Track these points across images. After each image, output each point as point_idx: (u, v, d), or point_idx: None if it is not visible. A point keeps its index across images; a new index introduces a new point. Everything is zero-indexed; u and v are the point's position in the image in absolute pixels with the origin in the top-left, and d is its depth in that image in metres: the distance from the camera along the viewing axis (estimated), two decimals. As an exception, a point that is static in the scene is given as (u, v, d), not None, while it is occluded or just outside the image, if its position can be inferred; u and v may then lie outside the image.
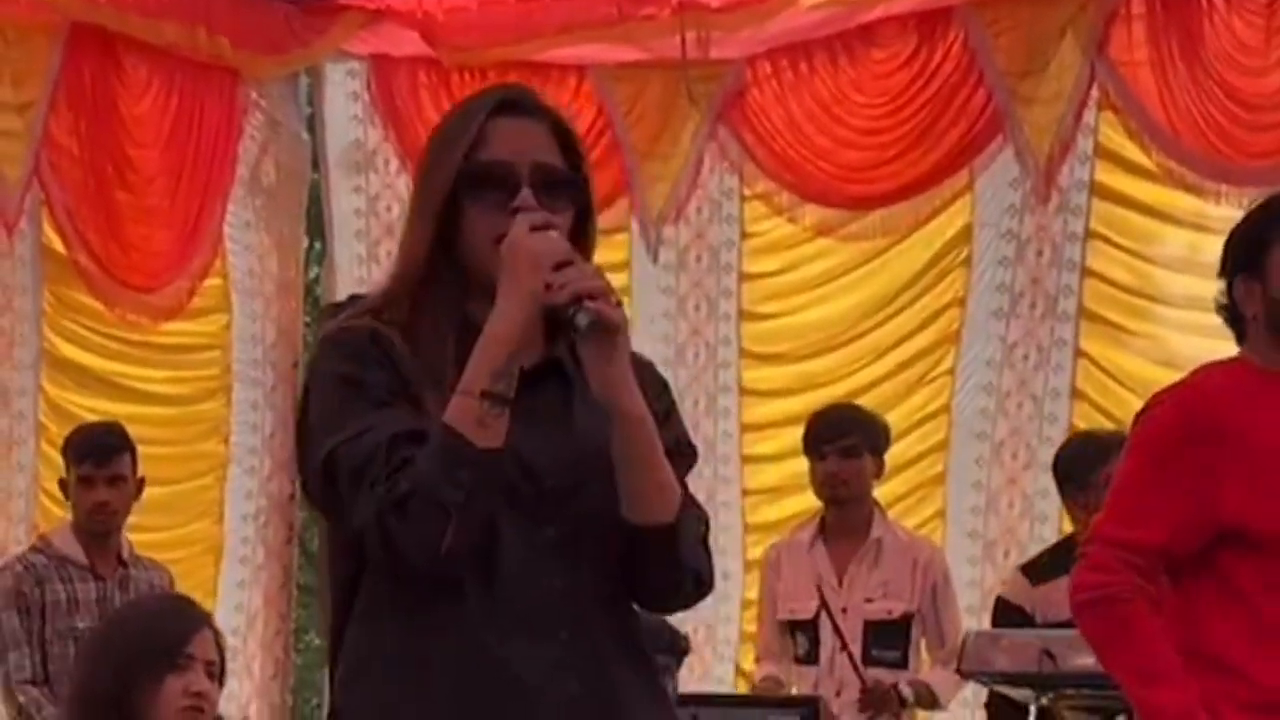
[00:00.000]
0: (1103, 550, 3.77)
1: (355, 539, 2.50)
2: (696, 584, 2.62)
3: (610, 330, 2.47)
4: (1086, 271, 8.25)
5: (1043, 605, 6.14)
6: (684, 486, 2.63)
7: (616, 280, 8.65)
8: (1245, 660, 3.66)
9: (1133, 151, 8.13)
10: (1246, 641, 3.67)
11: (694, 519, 2.60)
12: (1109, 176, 8.23)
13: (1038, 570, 6.34)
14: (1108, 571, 3.75)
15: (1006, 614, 6.30)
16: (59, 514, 7.26)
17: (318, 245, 9.77)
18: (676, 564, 2.56)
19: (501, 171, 2.58)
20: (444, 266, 2.57)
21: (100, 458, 5.95)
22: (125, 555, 6.06)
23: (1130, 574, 3.72)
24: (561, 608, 2.53)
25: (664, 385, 2.73)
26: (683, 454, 2.66)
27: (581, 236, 2.64)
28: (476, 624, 2.50)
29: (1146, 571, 3.72)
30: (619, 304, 2.48)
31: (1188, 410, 3.76)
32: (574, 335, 2.49)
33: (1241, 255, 3.79)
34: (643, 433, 2.52)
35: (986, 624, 6.60)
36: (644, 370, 2.68)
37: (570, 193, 2.62)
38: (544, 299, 2.48)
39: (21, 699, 5.78)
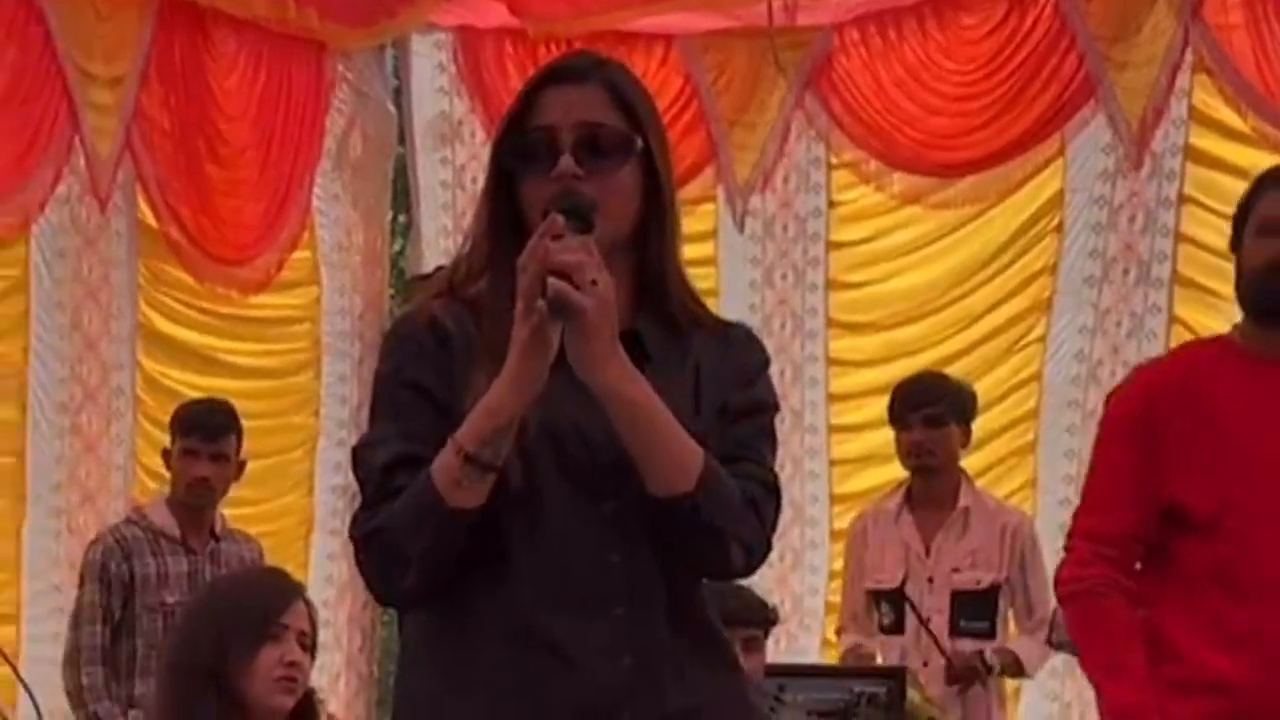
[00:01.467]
0: (1080, 544, 3.77)
1: None
2: (747, 551, 2.56)
3: (571, 311, 2.39)
4: (1180, 237, 8.17)
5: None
6: (752, 448, 2.58)
7: (702, 250, 8.83)
8: (1189, 645, 3.63)
9: (1227, 115, 8.04)
10: (1185, 626, 3.64)
11: (730, 485, 2.52)
12: (1203, 140, 8.14)
13: None
14: (1084, 566, 3.75)
15: None
16: (155, 487, 7.33)
17: (402, 218, 9.80)
18: (707, 532, 2.50)
19: (545, 138, 2.52)
20: (510, 239, 2.52)
21: (207, 434, 5.98)
22: (218, 529, 6.10)
23: (1104, 567, 3.71)
24: (619, 582, 2.50)
25: (748, 348, 2.66)
26: (751, 414, 2.61)
27: (651, 194, 2.57)
28: (525, 603, 2.48)
29: (1120, 562, 3.71)
30: (594, 282, 2.38)
31: (1142, 391, 3.76)
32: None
33: (1233, 231, 3.78)
34: (630, 411, 2.45)
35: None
36: (730, 331, 2.65)
37: (623, 152, 2.55)
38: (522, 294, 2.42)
39: (85, 680, 5.82)
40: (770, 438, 2.64)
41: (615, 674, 2.48)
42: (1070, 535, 3.81)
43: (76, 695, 5.83)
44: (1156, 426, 3.67)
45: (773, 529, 2.59)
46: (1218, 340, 3.87)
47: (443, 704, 2.51)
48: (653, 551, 2.51)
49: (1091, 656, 3.80)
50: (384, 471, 2.48)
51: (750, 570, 2.60)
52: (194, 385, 7.78)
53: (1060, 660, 6.84)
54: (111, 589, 5.86)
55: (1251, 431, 3.64)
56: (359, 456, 2.54)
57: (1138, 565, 3.72)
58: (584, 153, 2.52)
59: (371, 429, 2.54)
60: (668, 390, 2.51)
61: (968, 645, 6.22)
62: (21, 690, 5.78)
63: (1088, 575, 3.74)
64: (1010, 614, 6.42)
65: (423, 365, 2.51)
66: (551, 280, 2.37)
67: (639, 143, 2.55)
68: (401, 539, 2.45)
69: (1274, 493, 3.60)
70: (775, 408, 2.67)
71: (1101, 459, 3.79)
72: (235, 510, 6.52)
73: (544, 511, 2.49)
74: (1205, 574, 3.62)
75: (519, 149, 2.53)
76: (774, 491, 2.59)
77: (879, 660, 6.26)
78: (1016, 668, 6.39)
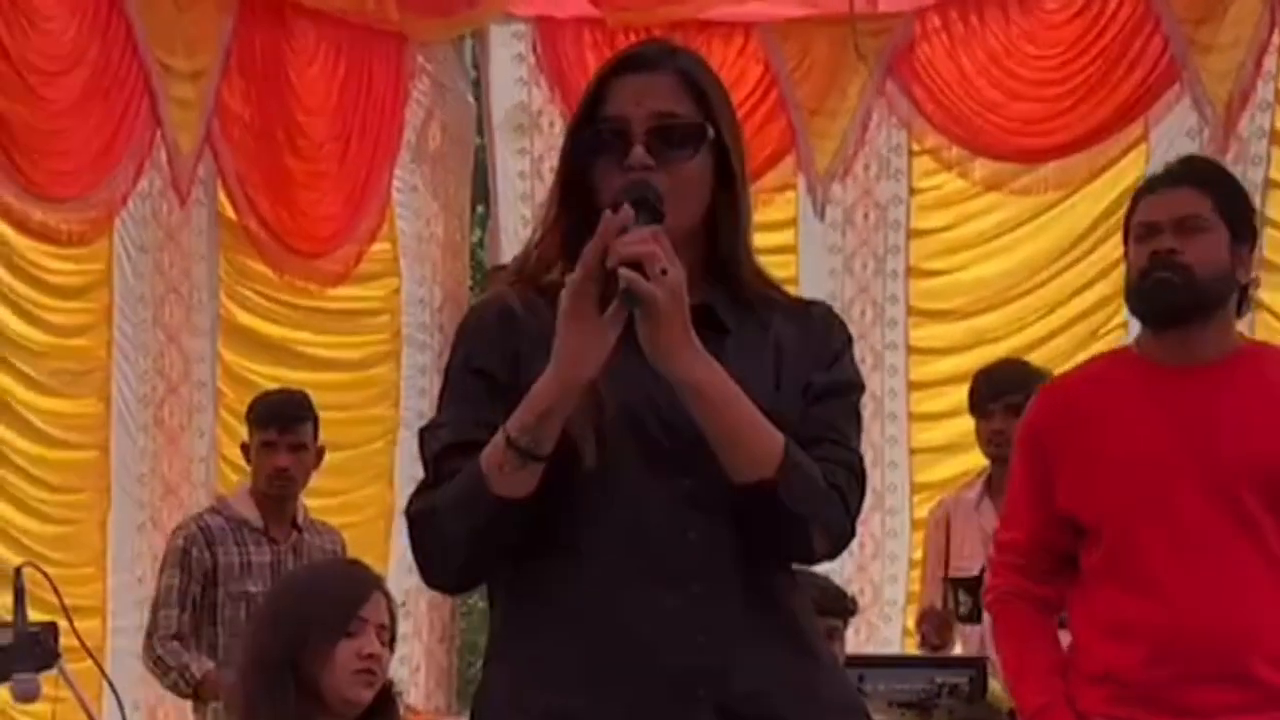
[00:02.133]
0: (994, 556, 3.91)
1: None
2: (830, 536, 2.54)
3: (642, 301, 2.38)
4: (1266, 222, 8.07)
5: None
6: (837, 429, 2.56)
7: (783, 238, 8.80)
8: (1086, 639, 3.72)
9: (1314, 97, 7.96)
10: (1085, 622, 3.73)
11: (812, 469, 2.49)
12: (1289, 124, 8.05)
13: None
14: (994, 575, 3.89)
15: None
16: (236, 479, 7.36)
17: (480, 209, 9.81)
18: (789, 518, 2.48)
19: (617, 128, 2.52)
20: (582, 228, 2.50)
21: (283, 424, 6.00)
22: (300, 520, 6.12)
23: (1009, 575, 3.82)
24: (695, 560, 2.48)
25: (829, 326, 2.64)
26: (835, 394, 2.59)
27: (722, 182, 2.57)
28: (600, 581, 2.47)
29: (1027, 569, 3.80)
30: (664, 271, 2.38)
31: (1039, 407, 3.84)
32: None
33: (1123, 238, 3.81)
34: (707, 398, 2.44)
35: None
36: (811, 309, 2.64)
37: (695, 141, 2.54)
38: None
39: (159, 651, 5.86)
40: (855, 418, 2.61)
41: (688, 652, 2.46)
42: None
43: (159, 666, 5.88)
44: (1047, 440, 3.76)
45: (857, 513, 2.56)
46: (1122, 351, 3.94)
47: (520, 692, 2.51)
48: (731, 530, 2.50)
49: (1003, 662, 3.91)
50: (442, 455, 2.51)
51: (834, 554, 2.58)
52: (274, 378, 7.80)
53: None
54: (191, 575, 5.88)
55: (1135, 435, 3.67)
56: (423, 439, 2.56)
57: (1049, 571, 3.80)
58: (656, 143, 2.51)
59: (438, 414, 2.56)
60: (748, 363, 2.51)
61: None
62: (106, 684, 5.82)
63: (995, 585, 3.87)
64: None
65: (491, 353, 2.52)
66: (623, 271, 2.37)
67: (710, 132, 2.54)
68: (448, 522, 2.46)
69: (1152, 492, 3.64)
70: (861, 388, 2.64)
71: (1011, 473, 3.91)
72: (316, 501, 6.54)
73: (620, 490, 2.48)
74: (1097, 572, 3.70)
75: (591, 139, 2.53)
76: (859, 475, 2.56)
77: (958, 648, 6.22)
78: None
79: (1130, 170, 8.32)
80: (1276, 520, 3.64)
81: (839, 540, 2.55)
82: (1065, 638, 3.84)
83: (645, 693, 2.46)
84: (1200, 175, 3.79)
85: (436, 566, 2.52)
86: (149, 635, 5.92)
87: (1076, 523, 3.71)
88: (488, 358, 2.53)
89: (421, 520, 2.50)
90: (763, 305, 2.59)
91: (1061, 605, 3.83)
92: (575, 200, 2.55)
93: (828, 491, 2.50)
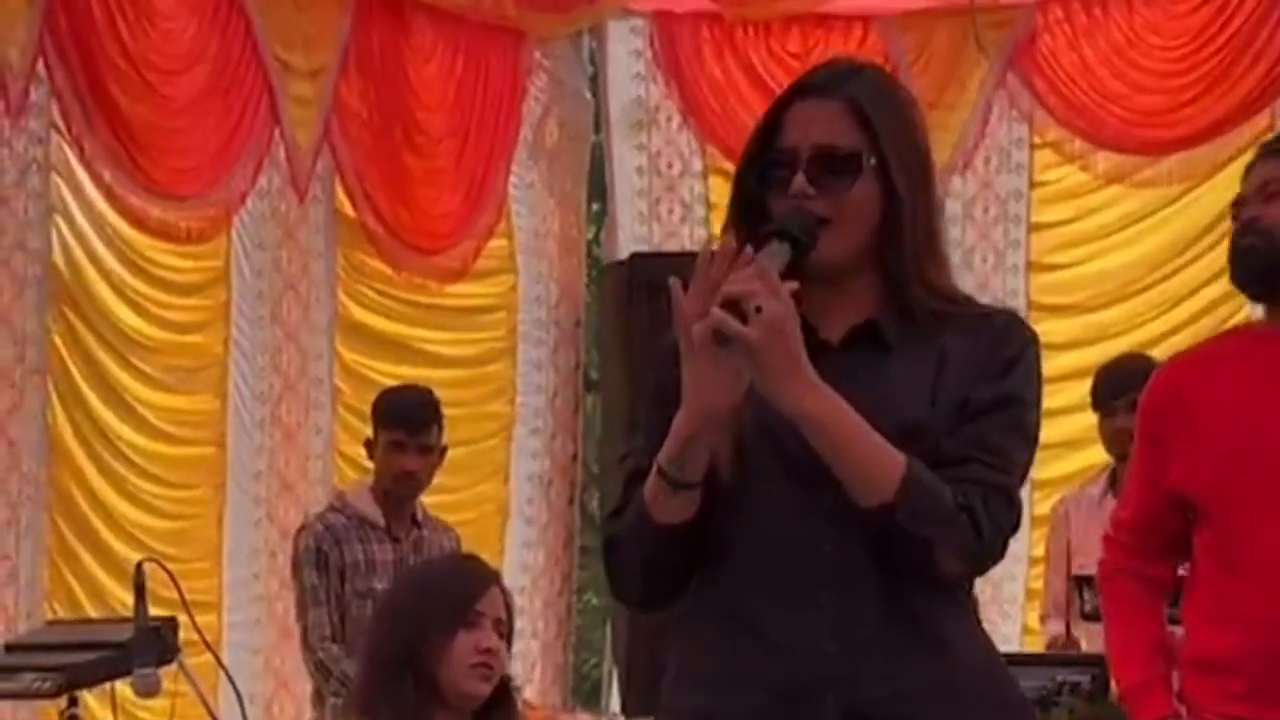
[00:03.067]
0: (1109, 531, 3.88)
1: None
2: (964, 558, 2.55)
3: (732, 341, 2.45)
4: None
5: None
6: (989, 447, 2.56)
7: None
8: (1194, 623, 3.68)
9: None
10: (1193, 607, 3.69)
11: (939, 492, 2.51)
12: None
13: None
14: (1106, 551, 3.87)
15: None
16: (354, 476, 7.39)
17: (596, 205, 9.80)
18: (910, 539, 2.50)
19: (785, 159, 2.61)
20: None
21: (412, 426, 5.97)
22: (419, 517, 6.12)
23: (1116, 553, 3.82)
24: (827, 571, 2.54)
25: (1004, 337, 2.63)
26: (997, 409, 2.59)
27: (888, 213, 2.61)
28: (739, 591, 2.57)
29: (1135, 547, 3.78)
30: (759, 309, 2.44)
31: (1154, 387, 3.79)
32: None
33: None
34: (818, 429, 2.50)
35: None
36: (991, 320, 2.65)
37: (853, 171, 2.60)
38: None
39: (321, 654, 5.85)
40: (1017, 433, 2.61)
41: (818, 660, 2.52)
42: None
43: (321, 670, 5.87)
44: (1158, 420, 3.72)
45: (1000, 532, 2.56)
46: (1240, 327, 3.89)
47: (671, 694, 2.64)
48: (867, 544, 2.53)
49: (1107, 638, 3.90)
50: (628, 483, 2.61)
51: (974, 573, 2.62)
52: (392, 374, 7.83)
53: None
54: (330, 572, 5.88)
55: (1242, 409, 3.61)
56: (621, 465, 2.69)
57: (1160, 550, 3.78)
58: (817, 172, 2.60)
59: (632, 439, 2.68)
60: (906, 379, 2.58)
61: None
62: (223, 678, 5.85)
63: (1106, 561, 3.85)
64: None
65: (669, 383, 2.56)
66: (714, 311, 2.45)
67: (870, 160, 2.61)
68: (624, 550, 2.60)
69: (1258, 469, 3.58)
70: (1029, 402, 2.63)
71: (1133, 453, 3.86)
72: (432, 498, 6.54)
73: (760, 504, 2.56)
74: (1207, 556, 3.65)
75: (764, 167, 2.63)
76: (1004, 494, 2.56)
77: (1082, 647, 6.14)
78: None
79: (1256, 162, 8.19)
80: None
81: (974, 560, 2.57)
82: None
83: (776, 698, 2.54)
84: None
85: (623, 591, 2.67)
86: (305, 637, 5.91)
87: (1187, 501, 3.66)
88: (671, 385, 2.56)
89: (608, 548, 2.64)
90: (935, 319, 2.62)
91: (1172, 585, 3.81)
92: (750, 225, 2.62)
93: (955, 513, 2.51)
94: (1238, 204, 3.68)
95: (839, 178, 2.60)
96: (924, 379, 2.58)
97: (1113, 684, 3.82)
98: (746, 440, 2.56)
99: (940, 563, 2.54)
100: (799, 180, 2.59)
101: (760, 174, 2.63)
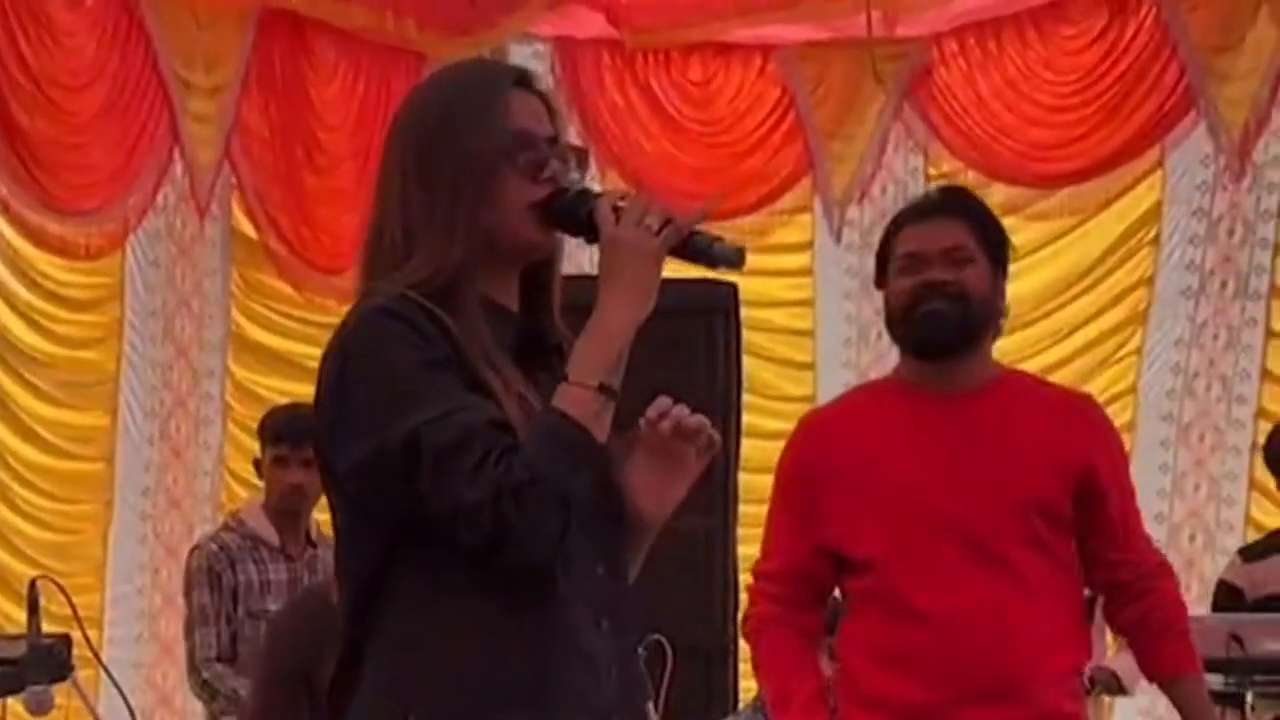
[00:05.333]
0: (752, 585, 3.92)
1: (442, 522, 2.40)
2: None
3: (709, 450, 2.52)
4: (1279, 249, 8.08)
5: (1249, 582, 6.11)
6: None
7: (799, 260, 8.81)
8: (858, 665, 3.75)
9: (1330, 127, 7.97)
10: (856, 649, 3.77)
11: None
12: (1304, 152, 8.07)
13: (1253, 551, 6.34)
14: (752, 605, 3.90)
15: (1220, 591, 6.29)
16: (243, 494, 7.37)
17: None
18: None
19: (530, 139, 2.52)
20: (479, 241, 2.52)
21: (295, 440, 5.97)
22: (314, 535, 6.12)
23: (767, 605, 3.85)
24: (604, 595, 2.50)
25: None
26: None
27: None
28: (559, 602, 2.45)
29: (785, 598, 3.83)
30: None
31: (801, 438, 3.85)
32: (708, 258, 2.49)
33: (876, 271, 3.83)
34: (649, 532, 2.56)
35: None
36: None
37: (583, 166, 2.58)
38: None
39: (206, 674, 5.84)
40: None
41: (613, 682, 2.49)
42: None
43: (206, 690, 5.86)
44: (813, 474, 3.78)
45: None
46: (880, 383, 3.96)
47: (485, 687, 2.45)
48: (623, 571, 2.57)
49: (765, 693, 3.92)
50: (488, 432, 2.39)
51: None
52: (284, 392, 7.80)
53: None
54: (222, 593, 5.87)
55: (905, 465, 3.70)
56: (427, 430, 2.38)
57: (810, 600, 3.85)
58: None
59: (423, 404, 2.40)
60: None
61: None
62: (107, 693, 5.83)
63: (753, 614, 3.89)
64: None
65: (442, 344, 2.44)
66: (708, 426, 2.48)
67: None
68: (561, 482, 2.38)
69: (925, 518, 3.67)
70: None
71: (771, 504, 3.90)
72: (327, 515, 6.55)
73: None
74: (870, 602, 3.73)
75: (508, 146, 2.53)
76: None
77: None
78: (1117, 685, 6.33)
79: (1146, 196, 8.33)
80: (1049, 540, 3.69)
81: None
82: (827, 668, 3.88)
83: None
84: (960, 206, 3.83)
85: (555, 531, 2.39)
86: (191, 658, 5.89)
87: (842, 554, 3.74)
88: (440, 349, 2.44)
89: (529, 491, 2.37)
90: None
91: (822, 634, 3.89)
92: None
93: None
94: (912, 258, 3.72)
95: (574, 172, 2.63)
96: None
97: None
98: None
99: None
100: (557, 164, 2.54)
101: (501, 152, 2.53)
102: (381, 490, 2.43)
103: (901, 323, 3.72)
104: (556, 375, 2.48)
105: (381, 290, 2.46)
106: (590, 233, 2.50)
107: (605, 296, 2.46)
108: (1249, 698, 5.73)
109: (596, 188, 2.65)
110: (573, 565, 2.45)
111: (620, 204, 2.49)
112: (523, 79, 2.58)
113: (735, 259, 2.48)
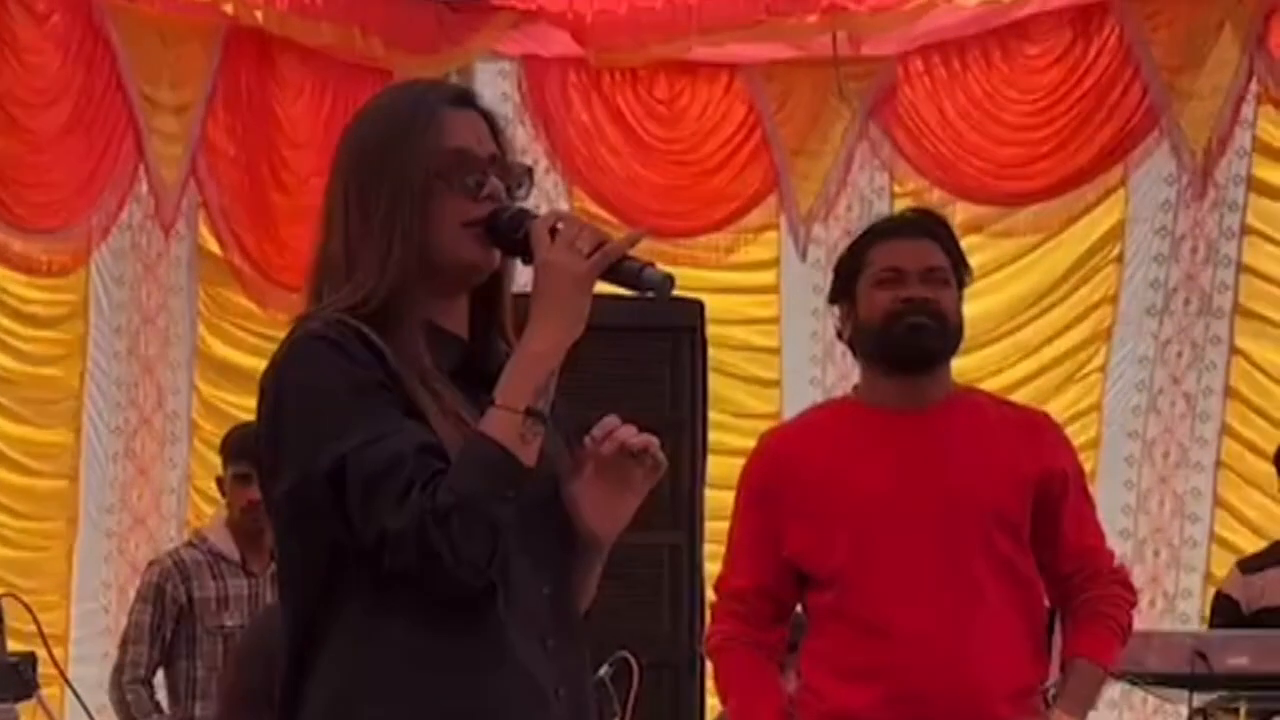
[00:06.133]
0: (716, 602, 3.95)
1: (370, 548, 2.38)
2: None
3: (656, 469, 2.49)
4: (1242, 267, 8.13)
5: (1246, 595, 6.14)
6: None
7: (764, 278, 8.82)
8: (819, 681, 3.77)
9: (1292, 146, 8.02)
10: (817, 665, 3.79)
11: None
12: (1267, 171, 8.12)
13: (1251, 564, 6.39)
14: (714, 622, 3.93)
15: (1218, 603, 6.34)
16: (209, 511, 7.36)
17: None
18: None
19: (468, 158, 2.51)
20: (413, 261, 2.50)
21: (255, 457, 5.99)
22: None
23: (730, 623, 3.87)
24: (549, 615, 2.49)
25: None
26: None
27: None
28: (497, 625, 2.44)
29: (747, 615, 3.84)
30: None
31: (763, 456, 3.87)
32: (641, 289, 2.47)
33: (837, 284, 3.85)
34: (604, 548, 2.56)
35: (1135, 624, 6.52)
36: None
37: (528, 183, 2.58)
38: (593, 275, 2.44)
39: (129, 696, 5.84)
40: None
41: (561, 702, 2.48)
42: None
43: (122, 709, 5.86)
44: (774, 492, 3.80)
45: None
46: (840, 401, 4.00)
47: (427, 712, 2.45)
48: (570, 588, 2.56)
49: (728, 710, 3.93)
50: (417, 456, 2.38)
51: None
52: (252, 409, 7.77)
53: (1117, 690, 6.80)
54: (165, 611, 5.87)
55: (867, 481, 3.73)
56: (354, 457, 2.38)
57: (772, 618, 3.86)
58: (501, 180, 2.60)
59: (351, 430, 2.39)
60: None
61: None
62: (71, 710, 5.82)
63: (715, 631, 3.90)
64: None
65: (374, 368, 2.43)
66: (655, 445, 2.47)
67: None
68: (487, 506, 2.36)
69: (887, 536, 3.69)
70: None
71: (734, 521, 3.92)
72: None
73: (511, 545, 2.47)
74: (830, 615, 3.75)
75: (444, 165, 2.52)
76: None
77: None
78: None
79: (1108, 215, 8.37)
80: (1011, 555, 3.72)
81: None
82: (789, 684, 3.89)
83: None
84: (936, 230, 3.87)
85: (484, 556, 2.38)
86: (118, 671, 5.90)
87: (804, 571, 3.76)
88: (375, 373, 2.42)
89: (455, 516, 2.35)
90: None
91: (784, 651, 3.90)
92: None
93: None
94: (892, 272, 3.75)
95: (516, 189, 2.57)
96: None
97: None
98: None
99: None
100: (496, 183, 2.52)
101: (436, 171, 2.52)
102: (313, 517, 2.43)
103: (881, 335, 3.75)
104: None
105: (319, 315, 2.47)
106: (526, 253, 2.49)
107: (534, 319, 2.44)
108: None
109: (556, 206, 2.64)
110: (517, 586, 2.44)
111: (558, 226, 2.46)
112: (462, 97, 2.58)
113: (664, 286, 2.46)
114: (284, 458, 2.46)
